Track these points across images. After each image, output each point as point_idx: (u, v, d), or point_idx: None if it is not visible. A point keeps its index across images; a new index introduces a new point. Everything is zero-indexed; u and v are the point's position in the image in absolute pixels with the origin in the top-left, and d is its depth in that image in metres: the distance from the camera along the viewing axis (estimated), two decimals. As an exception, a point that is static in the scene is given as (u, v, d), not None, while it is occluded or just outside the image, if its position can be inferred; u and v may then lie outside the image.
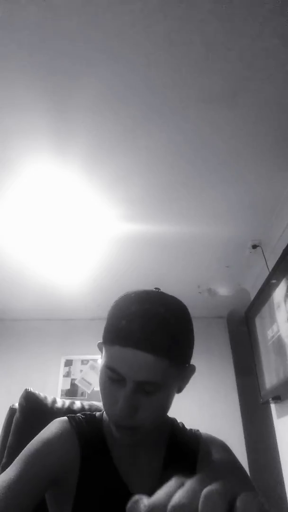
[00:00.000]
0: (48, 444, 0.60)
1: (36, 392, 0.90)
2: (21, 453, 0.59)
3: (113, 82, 1.35)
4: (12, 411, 0.90)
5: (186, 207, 2.04)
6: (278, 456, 2.28)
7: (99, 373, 0.63)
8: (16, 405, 0.89)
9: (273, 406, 2.36)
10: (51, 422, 0.66)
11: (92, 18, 1.14)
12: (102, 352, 0.66)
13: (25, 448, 0.60)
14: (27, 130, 1.54)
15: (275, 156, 1.69)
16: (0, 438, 0.87)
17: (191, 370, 0.65)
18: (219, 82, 1.35)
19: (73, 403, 0.91)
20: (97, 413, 0.70)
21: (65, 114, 1.48)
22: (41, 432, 0.63)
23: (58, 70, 1.30)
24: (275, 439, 2.34)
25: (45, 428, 0.64)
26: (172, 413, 0.76)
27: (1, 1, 1.09)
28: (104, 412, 0.69)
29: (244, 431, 2.96)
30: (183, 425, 0.74)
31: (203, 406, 2.95)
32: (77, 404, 0.91)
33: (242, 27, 1.16)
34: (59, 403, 0.90)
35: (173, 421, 0.73)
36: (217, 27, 1.16)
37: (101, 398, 0.62)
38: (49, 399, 0.90)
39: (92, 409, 0.87)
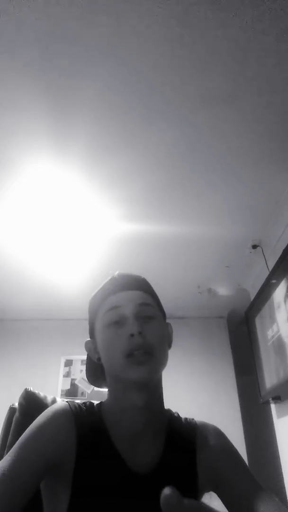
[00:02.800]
0: (43, 428, 0.61)
1: (36, 391, 0.90)
2: (20, 437, 0.60)
3: (113, 82, 1.35)
4: (12, 410, 0.89)
5: (186, 207, 2.04)
6: (278, 456, 2.28)
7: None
8: (16, 404, 0.89)
9: (273, 406, 2.36)
10: (51, 406, 0.67)
11: (92, 18, 1.14)
12: (92, 346, 0.72)
13: (24, 433, 0.61)
14: (27, 130, 1.54)
15: (275, 156, 1.69)
16: (0, 438, 0.87)
17: (170, 327, 0.75)
18: (219, 83, 1.35)
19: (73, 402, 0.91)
20: (96, 403, 0.71)
21: (65, 114, 1.48)
22: (39, 416, 0.64)
23: (58, 70, 1.30)
24: (275, 439, 2.34)
25: (44, 411, 0.65)
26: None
27: (1, 2, 1.09)
28: (109, 391, 0.70)
29: (244, 431, 2.96)
30: (178, 414, 0.75)
31: (203, 406, 2.94)
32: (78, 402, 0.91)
33: (242, 27, 1.16)
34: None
35: (169, 411, 0.74)
36: (217, 27, 1.16)
37: (107, 359, 0.67)
38: (49, 399, 0.90)
39: None
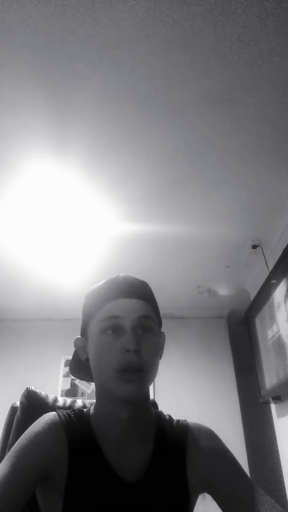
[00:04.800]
0: (36, 438, 0.61)
1: (38, 390, 0.90)
2: (12, 448, 0.60)
3: (113, 82, 1.35)
4: (13, 409, 0.90)
5: (186, 207, 2.04)
6: (278, 456, 2.28)
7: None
8: (18, 403, 0.89)
9: (273, 406, 2.36)
10: (40, 417, 0.66)
11: (92, 19, 1.14)
12: (82, 345, 0.71)
13: (16, 443, 0.61)
14: (27, 131, 1.54)
15: (275, 156, 1.69)
16: (1, 437, 0.87)
17: (163, 337, 0.73)
18: (219, 83, 1.35)
19: (74, 401, 0.91)
20: (85, 410, 0.71)
21: (65, 114, 1.48)
22: (30, 426, 0.64)
23: (58, 71, 1.30)
24: (275, 439, 2.34)
25: (34, 422, 0.65)
26: (172, 413, 0.76)
27: (1, 3, 1.09)
28: (97, 393, 0.69)
29: (244, 431, 2.96)
30: (170, 416, 0.74)
31: (203, 406, 2.95)
32: (79, 402, 0.91)
33: (242, 27, 1.16)
34: (60, 402, 0.90)
35: (159, 414, 0.74)
36: (217, 28, 1.16)
37: (96, 367, 0.65)
38: (50, 398, 0.90)
39: None
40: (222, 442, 0.69)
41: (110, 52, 1.25)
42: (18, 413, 0.86)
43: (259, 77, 1.33)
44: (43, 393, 0.90)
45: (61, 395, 3.18)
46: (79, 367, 0.76)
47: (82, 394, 3.18)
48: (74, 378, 3.24)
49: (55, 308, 3.32)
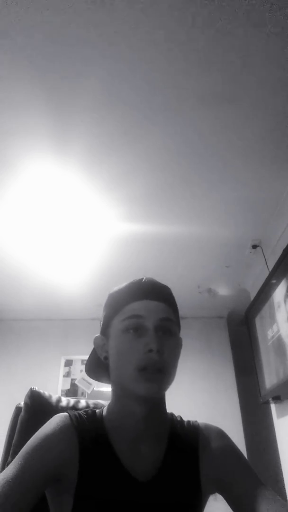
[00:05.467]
0: (46, 439, 0.60)
1: (41, 391, 0.90)
2: (22, 449, 0.60)
3: (113, 82, 1.35)
4: (18, 409, 0.90)
5: (186, 207, 2.04)
6: (278, 456, 2.28)
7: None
8: (22, 403, 0.89)
9: (273, 406, 2.36)
10: (52, 417, 0.66)
11: (92, 19, 1.15)
12: (101, 343, 0.71)
13: (26, 444, 0.61)
14: (27, 130, 1.54)
15: (275, 156, 1.69)
16: (6, 437, 0.87)
17: (181, 341, 0.73)
18: (219, 83, 1.35)
19: (78, 401, 0.91)
20: (97, 410, 0.71)
21: (65, 115, 1.48)
22: (41, 427, 0.64)
23: (58, 71, 1.30)
24: (275, 439, 2.34)
25: (46, 423, 0.65)
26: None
27: (1, 3, 1.09)
28: (115, 391, 0.69)
29: (244, 431, 2.96)
30: (181, 417, 0.75)
31: (203, 406, 2.95)
32: (82, 402, 0.91)
33: (242, 27, 1.16)
34: (63, 402, 0.90)
35: (172, 414, 0.74)
36: (217, 27, 1.16)
37: (116, 366, 0.66)
38: (54, 398, 0.90)
39: (98, 407, 0.87)
40: (232, 441, 0.70)
41: (110, 52, 1.25)
42: (22, 413, 0.86)
43: (259, 77, 1.33)
44: (46, 393, 0.91)
45: (61, 395, 3.17)
46: (97, 368, 0.76)
47: (82, 394, 3.18)
48: (74, 378, 3.26)
49: (55, 308, 3.32)
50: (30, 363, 3.30)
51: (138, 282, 0.71)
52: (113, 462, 0.62)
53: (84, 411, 0.69)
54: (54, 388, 3.19)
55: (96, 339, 0.73)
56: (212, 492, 0.66)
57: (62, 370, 3.29)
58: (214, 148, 1.64)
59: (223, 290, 3.01)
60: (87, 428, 0.65)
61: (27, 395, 0.88)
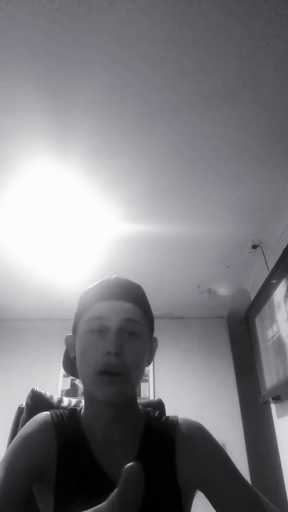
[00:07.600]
0: (26, 439, 0.62)
1: (43, 391, 0.90)
2: (7, 450, 0.61)
3: (113, 82, 1.35)
4: (20, 410, 0.90)
5: (186, 207, 2.04)
6: (278, 456, 2.28)
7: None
8: (24, 404, 0.89)
9: (273, 406, 2.36)
10: (34, 416, 0.67)
11: (91, 19, 1.15)
12: (72, 343, 0.71)
13: (11, 444, 0.62)
14: (27, 130, 1.54)
15: (275, 156, 1.69)
16: (8, 438, 0.88)
17: (155, 342, 0.72)
18: (219, 83, 1.35)
19: (79, 401, 0.90)
20: (78, 408, 0.71)
21: (65, 115, 1.48)
22: (23, 427, 0.65)
23: (58, 71, 1.30)
24: (275, 439, 2.34)
25: (27, 423, 0.66)
26: (172, 413, 0.76)
27: (1, 4, 1.09)
28: (84, 396, 0.69)
29: (244, 431, 2.96)
30: (159, 414, 0.73)
31: (203, 406, 2.94)
32: (83, 402, 0.91)
33: (242, 27, 1.16)
34: (65, 402, 0.90)
35: (148, 412, 0.73)
36: (217, 27, 1.16)
37: (80, 367, 0.65)
38: (55, 399, 0.90)
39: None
40: (212, 436, 0.68)
41: (110, 52, 1.25)
42: (24, 414, 0.86)
43: (260, 77, 1.33)
44: (48, 394, 0.91)
45: (61, 395, 3.18)
46: (71, 366, 0.76)
47: (82, 394, 3.18)
48: (74, 378, 3.26)
49: (55, 308, 3.32)
50: (30, 363, 3.31)
51: (106, 281, 0.70)
52: (89, 462, 0.62)
53: (66, 410, 0.70)
54: (54, 388, 3.19)
55: (67, 338, 0.74)
56: (193, 488, 0.65)
57: (62, 370, 3.29)
58: (214, 148, 1.64)
59: (223, 290, 3.01)
60: (67, 427, 0.65)
61: (28, 396, 0.89)
